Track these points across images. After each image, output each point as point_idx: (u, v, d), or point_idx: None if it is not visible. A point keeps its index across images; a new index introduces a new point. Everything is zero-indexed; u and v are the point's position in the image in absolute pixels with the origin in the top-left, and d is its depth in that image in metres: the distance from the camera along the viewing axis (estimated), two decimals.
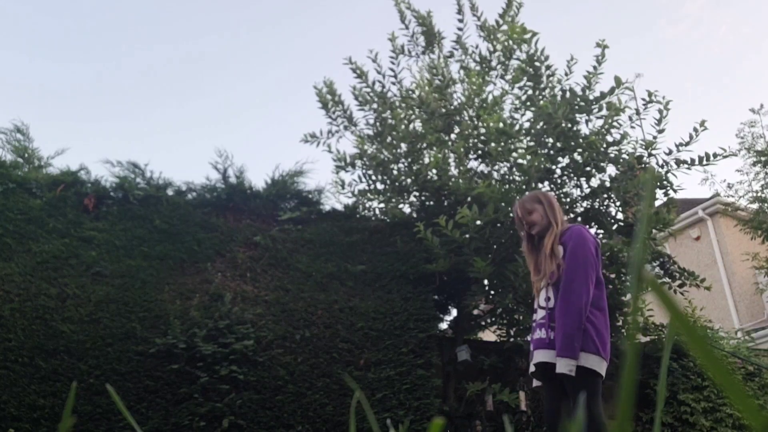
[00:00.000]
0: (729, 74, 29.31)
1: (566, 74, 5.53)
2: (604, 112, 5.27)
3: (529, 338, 3.05)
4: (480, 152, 5.75)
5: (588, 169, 5.37)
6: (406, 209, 6.11)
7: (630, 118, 5.32)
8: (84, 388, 4.31)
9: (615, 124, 5.28)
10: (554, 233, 3.00)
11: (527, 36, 5.30)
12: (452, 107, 5.95)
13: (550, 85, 5.52)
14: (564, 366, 2.70)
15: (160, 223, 5.14)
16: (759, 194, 11.41)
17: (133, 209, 5.16)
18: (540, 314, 2.98)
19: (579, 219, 5.57)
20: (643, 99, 5.22)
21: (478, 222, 5.05)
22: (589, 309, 2.82)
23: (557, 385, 2.88)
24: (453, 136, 5.89)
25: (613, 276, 5.52)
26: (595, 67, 5.38)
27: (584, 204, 5.60)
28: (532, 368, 3.00)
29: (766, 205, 11.11)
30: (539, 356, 2.90)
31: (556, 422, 2.88)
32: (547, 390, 2.97)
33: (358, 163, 6.09)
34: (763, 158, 11.34)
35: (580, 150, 5.28)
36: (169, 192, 5.42)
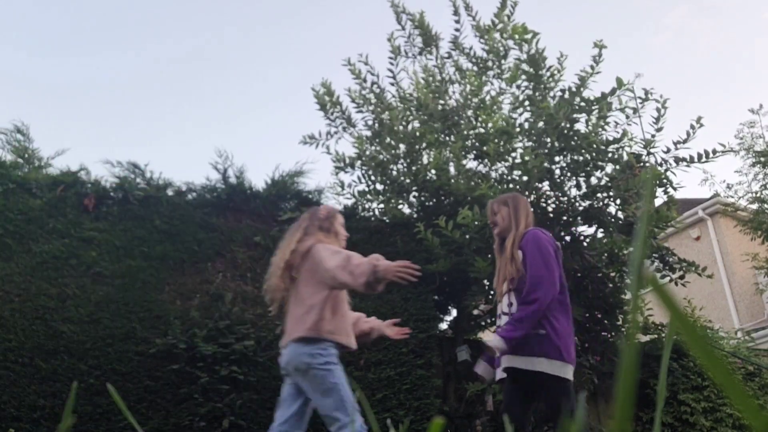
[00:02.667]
0: (713, 82, 29.44)
1: (558, 71, 5.53)
2: (605, 112, 5.27)
3: None
4: (478, 152, 5.75)
5: (588, 168, 5.37)
6: (406, 210, 6.11)
7: (627, 116, 5.32)
8: (84, 389, 4.31)
9: (613, 120, 5.28)
10: (513, 237, 3.02)
11: (528, 36, 5.30)
12: (450, 107, 5.95)
13: (550, 85, 5.52)
14: (496, 342, 2.75)
15: (160, 224, 5.14)
16: (758, 195, 11.41)
17: (133, 209, 5.16)
18: (503, 320, 2.96)
19: (579, 218, 5.58)
20: (640, 97, 5.22)
21: (477, 222, 5.05)
22: (551, 314, 2.82)
23: (523, 389, 2.89)
24: (452, 136, 5.89)
25: (613, 274, 5.52)
26: (592, 67, 5.38)
27: (584, 203, 5.60)
28: (501, 374, 2.99)
29: (765, 205, 11.10)
30: (506, 361, 2.89)
31: (519, 424, 2.86)
32: (510, 392, 2.96)
33: (357, 163, 6.09)
34: (762, 158, 11.34)
35: (580, 149, 5.28)
36: (169, 192, 5.42)
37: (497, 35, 6.07)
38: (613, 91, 5.23)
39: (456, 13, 6.27)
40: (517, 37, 5.35)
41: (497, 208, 3.15)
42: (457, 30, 6.32)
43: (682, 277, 5.72)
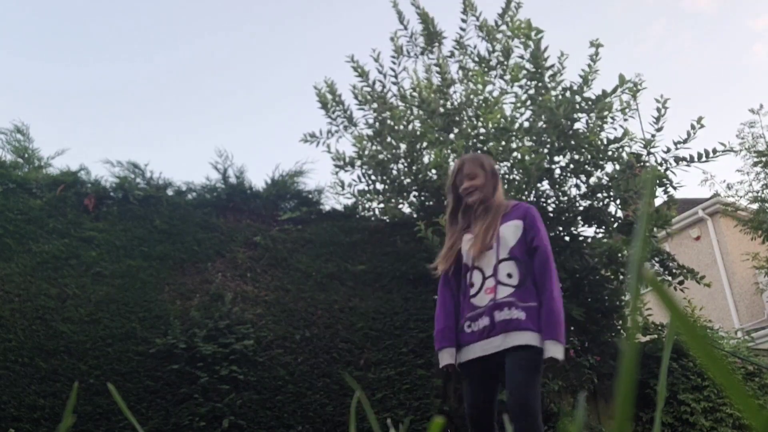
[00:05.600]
0: (713, 83, 29.51)
1: (560, 71, 5.52)
2: (606, 111, 5.27)
3: (468, 329, 2.68)
4: (479, 152, 5.75)
5: (588, 167, 5.37)
6: (406, 209, 6.10)
7: (624, 113, 5.31)
8: (84, 389, 4.31)
9: (611, 118, 5.27)
10: (495, 206, 2.81)
11: (532, 33, 5.29)
12: (452, 107, 5.95)
13: (552, 84, 5.52)
14: (559, 351, 2.47)
15: (160, 224, 5.14)
16: (759, 194, 11.42)
17: (133, 209, 5.16)
18: (503, 291, 2.62)
19: (579, 218, 5.57)
20: (632, 90, 5.21)
21: None
22: None
23: (493, 378, 2.66)
24: (452, 135, 5.89)
25: (612, 276, 5.52)
26: (590, 66, 5.38)
27: (584, 203, 5.59)
28: (447, 360, 2.69)
29: (766, 205, 11.11)
30: (480, 349, 2.61)
31: (486, 419, 2.63)
32: (478, 383, 2.67)
33: (358, 163, 6.09)
34: (763, 158, 11.35)
35: (580, 149, 5.28)
36: (169, 192, 5.42)
37: (500, 35, 6.07)
38: (615, 89, 5.23)
39: (465, 11, 6.26)
40: (521, 34, 5.34)
41: (473, 171, 2.83)
42: (462, 29, 6.31)
43: (681, 283, 5.74)
